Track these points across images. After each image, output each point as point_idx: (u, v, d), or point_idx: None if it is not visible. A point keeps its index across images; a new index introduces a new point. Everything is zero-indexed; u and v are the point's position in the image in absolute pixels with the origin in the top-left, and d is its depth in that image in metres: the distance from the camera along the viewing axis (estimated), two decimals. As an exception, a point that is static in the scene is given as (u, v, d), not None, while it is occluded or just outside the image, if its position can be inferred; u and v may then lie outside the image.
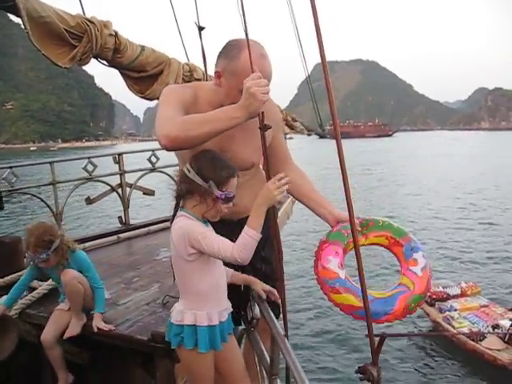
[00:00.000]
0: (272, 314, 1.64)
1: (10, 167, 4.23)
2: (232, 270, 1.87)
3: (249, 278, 1.90)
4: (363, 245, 1.83)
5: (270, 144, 1.95)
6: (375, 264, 10.76)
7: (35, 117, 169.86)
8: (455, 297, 8.54)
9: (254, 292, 1.88)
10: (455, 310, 8.06)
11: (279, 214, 5.23)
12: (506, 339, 7.08)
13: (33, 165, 5.66)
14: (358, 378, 1.17)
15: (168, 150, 1.61)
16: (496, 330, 7.31)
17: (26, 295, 2.82)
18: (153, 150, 5.41)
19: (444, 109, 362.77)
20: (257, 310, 1.86)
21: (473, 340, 7.11)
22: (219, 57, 1.75)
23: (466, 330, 7.33)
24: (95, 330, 2.44)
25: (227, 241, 1.55)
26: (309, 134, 8.98)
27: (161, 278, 3.35)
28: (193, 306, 1.69)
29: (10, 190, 4.23)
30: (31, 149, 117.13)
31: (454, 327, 7.56)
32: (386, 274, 10.37)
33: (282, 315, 1.69)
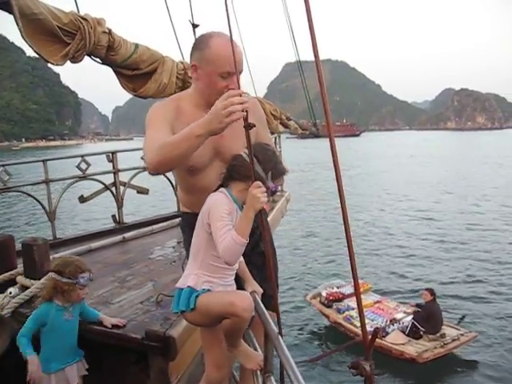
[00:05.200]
0: (266, 312, 1.64)
1: (3, 165, 4.20)
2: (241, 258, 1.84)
3: (248, 275, 1.89)
4: None
5: (254, 141, 1.99)
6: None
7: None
8: (349, 295, 8.58)
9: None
10: (352, 308, 8.11)
11: (273, 212, 5.24)
12: (406, 332, 7.25)
13: (26, 163, 5.62)
14: (350, 374, 1.18)
15: (156, 174, 1.74)
16: (396, 325, 7.50)
17: (19, 294, 2.78)
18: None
19: (412, 109, 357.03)
20: None
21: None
22: (192, 53, 1.88)
23: (367, 328, 7.54)
24: (109, 326, 2.46)
25: (226, 238, 1.53)
26: (302, 133, 8.96)
27: (155, 277, 3.35)
28: (207, 277, 1.69)
29: (2, 189, 4.21)
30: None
31: (356, 326, 7.62)
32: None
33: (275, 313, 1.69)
